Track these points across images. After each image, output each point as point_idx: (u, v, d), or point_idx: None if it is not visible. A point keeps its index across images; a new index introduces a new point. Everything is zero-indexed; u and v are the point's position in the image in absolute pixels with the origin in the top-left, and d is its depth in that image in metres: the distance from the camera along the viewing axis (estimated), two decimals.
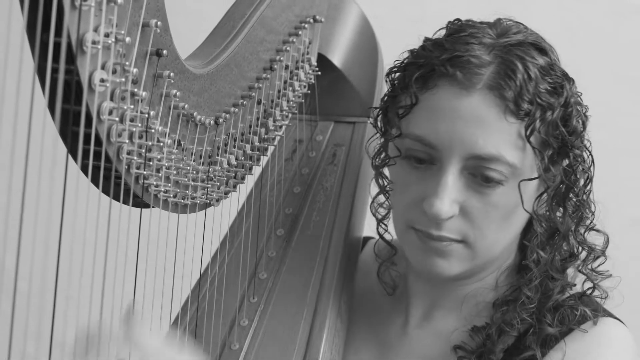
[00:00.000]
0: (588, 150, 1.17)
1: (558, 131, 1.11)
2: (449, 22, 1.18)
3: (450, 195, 1.10)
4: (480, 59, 1.10)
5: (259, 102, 1.23)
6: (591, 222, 1.19)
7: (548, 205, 1.16)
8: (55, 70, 0.83)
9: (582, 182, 1.17)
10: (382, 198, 1.27)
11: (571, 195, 1.16)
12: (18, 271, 0.79)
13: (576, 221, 1.17)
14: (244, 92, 1.19)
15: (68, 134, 0.90)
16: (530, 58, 1.11)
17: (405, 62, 1.17)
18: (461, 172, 1.11)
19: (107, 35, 0.89)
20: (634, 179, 2.27)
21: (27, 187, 0.77)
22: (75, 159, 0.91)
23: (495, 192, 1.11)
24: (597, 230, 1.20)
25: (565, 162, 1.14)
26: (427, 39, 1.17)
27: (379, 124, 1.22)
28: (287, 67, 1.27)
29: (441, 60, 1.11)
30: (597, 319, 1.14)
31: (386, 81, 1.20)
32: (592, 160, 1.17)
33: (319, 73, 1.35)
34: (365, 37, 1.44)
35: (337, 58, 1.40)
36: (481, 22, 1.17)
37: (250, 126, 1.22)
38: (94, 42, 0.87)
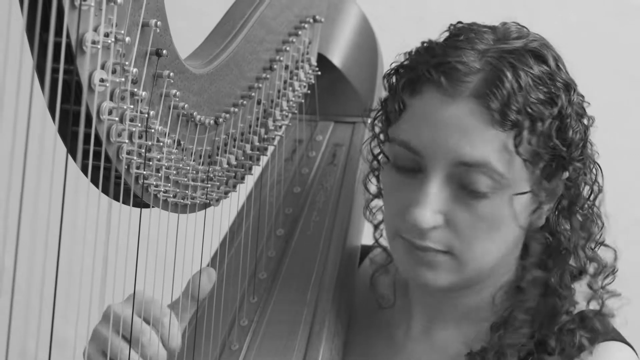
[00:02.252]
0: (593, 162, 1.14)
1: (552, 143, 1.08)
2: (451, 24, 1.16)
3: (432, 204, 1.07)
4: (468, 66, 1.07)
5: (258, 102, 1.23)
6: (600, 236, 1.16)
7: (553, 220, 1.13)
8: (55, 70, 0.83)
9: (587, 195, 1.14)
10: (377, 202, 1.26)
11: (577, 208, 1.13)
12: (17, 271, 0.79)
13: (584, 236, 1.14)
14: (243, 92, 1.19)
15: (68, 133, 0.90)
16: (523, 66, 1.07)
17: (398, 65, 1.15)
18: (446, 181, 1.08)
19: (106, 35, 0.89)
20: (636, 180, 2.27)
21: (26, 187, 0.77)
22: (74, 158, 0.91)
23: (481, 204, 1.07)
24: (606, 245, 1.17)
25: (565, 174, 1.11)
26: (424, 42, 1.15)
27: (374, 127, 1.20)
28: (287, 67, 1.27)
29: (428, 65, 1.09)
30: (595, 347, 1.11)
31: (383, 85, 1.18)
32: (600, 173, 1.15)
33: (319, 73, 1.35)
34: (365, 37, 1.44)
35: (337, 58, 1.40)
36: (485, 26, 1.14)
37: (250, 126, 1.22)
38: (93, 42, 0.87)
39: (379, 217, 1.26)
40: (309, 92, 1.34)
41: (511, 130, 1.05)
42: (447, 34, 1.15)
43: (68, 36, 0.84)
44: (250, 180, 1.29)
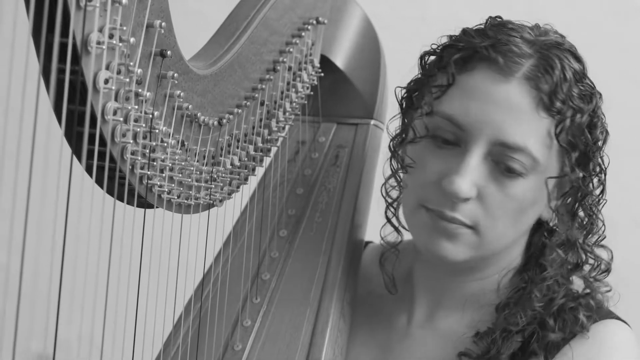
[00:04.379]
0: (603, 166, 1.17)
1: (584, 137, 1.12)
2: (489, 17, 1.19)
3: (471, 175, 1.11)
4: (521, 49, 1.11)
5: (262, 103, 1.23)
6: (599, 236, 1.19)
7: (558, 211, 1.16)
8: (60, 71, 0.84)
9: (596, 194, 1.17)
10: (393, 182, 1.25)
11: (585, 204, 1.17)
12: (23, 272, 0.80)
13: (585, 232, 1.18)
14: (247, 93, 1.19)
15: (73, 134, 0.91)
16: (567, 60, 1.12)
17: (443, 45, 1.18)
18: (485, 157, 1.11)
19: (111, 35, 0.89)
20: (637, 180, 2.27)
21: (31, 188, 0.77)
22: (79, 159, 0.91)
23: (514, 184, 1.11)
24: (603, 246, 1.20)
25: (581, 173, 1.14)
26: (467, 28, 1.18)
27: (404, 102, 1.22)
28: (290, 68, 1.27)
29: (484, 44, 1.12)
30: (596, 323, 1.14)
31: (419, 64, 1.20)
32: (605, 177, 1.18)
33: (322, 74, 1.35)
34: (367, 39, 1.44)
35: (339, 60, 1.40)
36: (522, 24, 1.18)
37: (253, 127, 1.22)
38: (98, 43, 0.87)
39: (393, 195, 1.27)
40: (311, 93, 1.34)
41: (554, 117, 1.10)
42: (482, 26, 1.18)
43: (73, 37, 0.85)
44: (253, 181, 1.29)
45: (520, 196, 1.11)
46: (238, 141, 1.19)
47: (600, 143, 1.15)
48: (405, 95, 1.21)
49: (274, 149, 1.30)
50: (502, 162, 1.11)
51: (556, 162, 1.13)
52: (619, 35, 2.25)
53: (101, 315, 1.08)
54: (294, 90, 1.29)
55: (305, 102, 1.34)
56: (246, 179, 1.24)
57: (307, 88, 1.32)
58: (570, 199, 1.16)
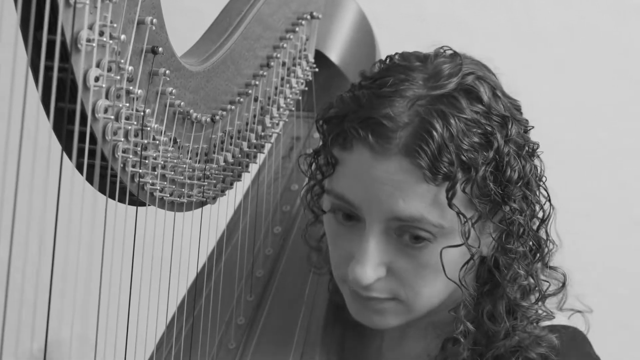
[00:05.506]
0: (538, 185, 1.11)
1: (487, 189, 1.04)
2: (380, 60, 1.12)
3: (373, 260, 1.06)
4: (396, 121, 1.03)
5: (255, 100, 1.22)
6: (547, 259, 1.13)
7: (492, 253, 1.10)
8: (49, 68, 0.83)
9: (522, 230, 1.09)
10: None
11: (512, 241, 1.09)
12: (11, 269, 0.79)
13: (527, 262, 1.11)
14: (240, 90, 1.18)
15: (63, 132, 0.90)
16: (455, 111, 1.03)
17: (328, 114, 1.11)
18: (385, 232, 1.06)
19: (101, 33, 0.89)
20: (636, 180, 2.26)
21: (20, 186, 0.77)
22: (70, 157, 0.91)
23: (423, 253, 1.06)
24: (553, 268, 1.15)
25: (499, 216, 1.07)
26: (350, 89, 1.10)
27: (310, 175, 1.17)
28: (284, 64, 1.27)
29: (355, 121, 1.05)
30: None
31: (317, 129, 1.13)
32: (548, 196, 1.12)
33: (316, 70, 1.34)
34: (362, 33, 1.43)
35: (334, 55, 1.39)
36: (417, 57, 1.10)
37: (247, 123, 1.22)
38: (88, 40, 0.87)
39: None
40: (306, 89, 1.33)
41: (442, 183, 1.03)
42: (377, 68, 1.11)
43: (63, 34, 0.84)
44: (247, 178, 1.28)
45: (433, 261, 1.05)
46: (231, 138, 1.19)
47: (518, 179, 1.06)
48: (310, 166, 1.17)
49: (268, 146, 1.29)
50: (406, 232, 1.05)
51: (471, 211, 1.05)
52: (617, 35, 2.24)
53: (94, 315, 1.07)
54: (288, 86, 1.29)
55: (300, 97, 1.34)
56: (240, 176, 1.23)
57: (302, 84, 1.32)
58: (503, 240, 1.09)
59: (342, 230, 1.10)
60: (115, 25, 0.90)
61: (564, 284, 1.16)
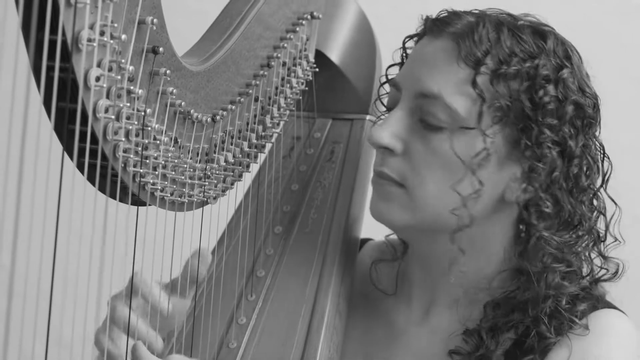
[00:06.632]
0: (574, 144, 1.12)
1: (517, 95, 1.09)
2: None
3: (392, 126, 1.14)
4: (461, 17, 1.13)
5: (256, 100, 1.22)
6: (594, 240, 1.18)
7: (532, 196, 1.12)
8: (50, 69, 0.83)
9: (572, 169, 1.12)
10: None
11: (560, 189, 1.12)
12: (14, 270, 0.79)
13: (571, 231, 1.14)
14: (241, 89, 1.19)
15: (64, 132, 0.90)
16: (513, 29, 1.11)
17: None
18: (410, 113, 1.13)
19: (102, 32, 0.89)
20: (637, 180, 2.26)
21: (22, 186, 0.77)
22: (71, 157, 0.91)
23: (436, 138, 1.11)
24: (604, 257, 1.19)
25: (526, 141, 1.09)
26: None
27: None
28: (284, 64, 1.27)
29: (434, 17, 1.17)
30: (593, 312, 1.12)
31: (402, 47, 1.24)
32: (602, 154, 1.16)
33: (317, 70, 1.34)
34: (363, 33, 1.43)
35: (334, 55, 1.40)
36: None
37: (247, 123, 1.22)
38: (89, 40, 0.87)
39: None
40: (306, 89, 1.34)
41: (474, 68, 1.09)
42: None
43: (64, 34, 0.84)
44: (247, 178, 1.28)
45: (444, 151, 1.10)
46: (232, 138, 1.19)
47: (551, 108, 1.09)
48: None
49: (268, 145, 1.29)
50: (424, 114, 1.12)
51: (491, 124, 1.09)
52: (618, 35, 2.24)
53: (94, 314, 1.08)
54: (288, 86, 1.29)
55: (300, 97, 1.34)
56: (240, 176, 1.23)
57: (302, 84, 1.32)
58: (536, 181, 1.10)
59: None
60: (116, 25, 0.90)
61: (616, 272, 1.19)
